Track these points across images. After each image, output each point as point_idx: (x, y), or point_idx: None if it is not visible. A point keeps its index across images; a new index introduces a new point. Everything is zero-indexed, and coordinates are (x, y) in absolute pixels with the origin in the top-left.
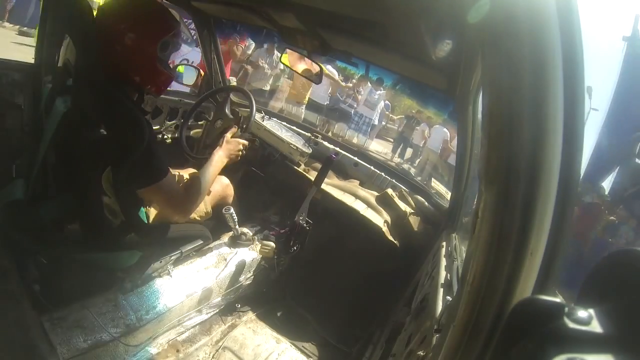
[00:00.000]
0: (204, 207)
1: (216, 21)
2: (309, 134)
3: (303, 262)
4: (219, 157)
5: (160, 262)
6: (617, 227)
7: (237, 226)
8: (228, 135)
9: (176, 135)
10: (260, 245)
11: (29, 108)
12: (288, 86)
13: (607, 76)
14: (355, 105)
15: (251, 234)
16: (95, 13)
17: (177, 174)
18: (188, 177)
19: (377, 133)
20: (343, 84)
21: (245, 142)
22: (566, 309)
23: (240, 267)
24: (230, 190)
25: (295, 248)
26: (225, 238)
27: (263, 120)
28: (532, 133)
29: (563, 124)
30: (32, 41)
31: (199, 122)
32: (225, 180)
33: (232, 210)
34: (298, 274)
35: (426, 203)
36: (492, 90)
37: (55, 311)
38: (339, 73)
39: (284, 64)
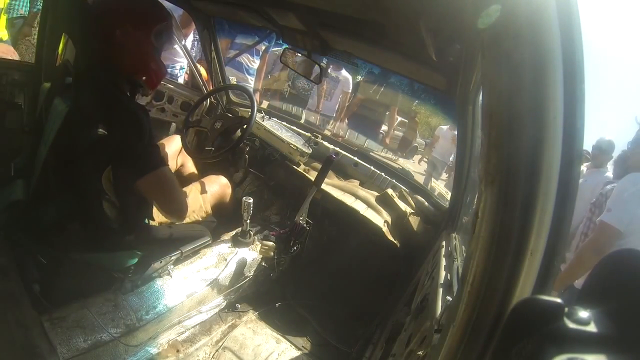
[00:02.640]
0: (203, 206)
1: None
2: (309, 134)
3: (303, 262)
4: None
5: (160, 262)
6: None
7: (248, 219)
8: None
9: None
10: (260, 245)
11: (29, 108)
12: None
13: None
14: None
15: (252, 233)
16: None
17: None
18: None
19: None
20: None
21: None
22: (566, 309)
23: (240, 267)
24: (228, 189)
25: (295, 248)
26: (226, 238)
27: (263, 120)
28: (532, 133)
29: (563, 124)
30: None
31: (201, 125)
32: (223, 180)
33: (251, 200)
34: (298, 274)
35: (426, 203)
36: (492, 91)
37: (55, 311)
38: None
39: (283, 63)
